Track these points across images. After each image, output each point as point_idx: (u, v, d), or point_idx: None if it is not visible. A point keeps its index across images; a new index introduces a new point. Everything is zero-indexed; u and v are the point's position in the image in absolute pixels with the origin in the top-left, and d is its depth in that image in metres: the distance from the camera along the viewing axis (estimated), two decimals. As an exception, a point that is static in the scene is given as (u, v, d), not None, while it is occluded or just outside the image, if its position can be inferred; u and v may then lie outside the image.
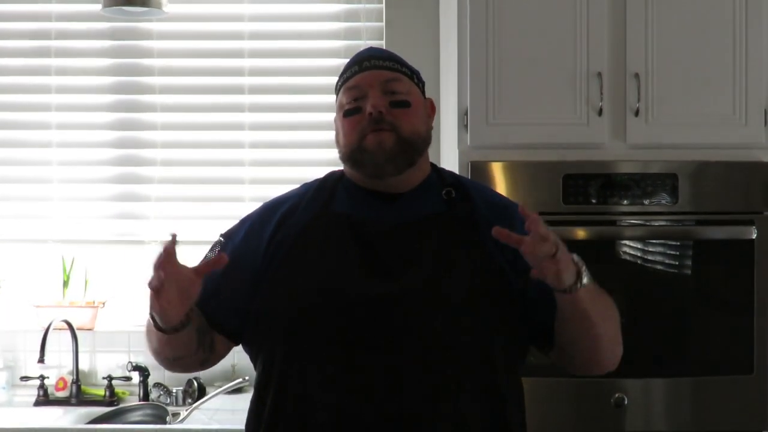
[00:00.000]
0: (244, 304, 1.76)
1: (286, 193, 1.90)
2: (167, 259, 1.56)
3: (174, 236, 1.58)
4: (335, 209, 1.79)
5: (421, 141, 1.79)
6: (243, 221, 1.88)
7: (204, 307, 1.74)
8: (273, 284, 1.74)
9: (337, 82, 1.86)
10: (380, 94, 1.76)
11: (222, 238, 1.86)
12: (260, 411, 1.75)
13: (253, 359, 1.82)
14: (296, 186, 1.92)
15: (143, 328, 1.75)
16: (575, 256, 1.63)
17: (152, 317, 1.64)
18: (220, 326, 1.78)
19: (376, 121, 1.74)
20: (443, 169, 1.90)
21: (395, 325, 1.66)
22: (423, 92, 1.86)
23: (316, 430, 1.68)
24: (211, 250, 1.85)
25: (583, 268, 1.62)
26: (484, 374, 1.69)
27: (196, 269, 1.61)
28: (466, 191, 1.82)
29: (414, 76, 1.84)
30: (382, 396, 1.65)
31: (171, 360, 1.78)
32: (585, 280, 1.61)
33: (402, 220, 1.76)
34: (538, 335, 1.79)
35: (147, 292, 1.59)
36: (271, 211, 1.84)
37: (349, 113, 1.78)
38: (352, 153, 1.77)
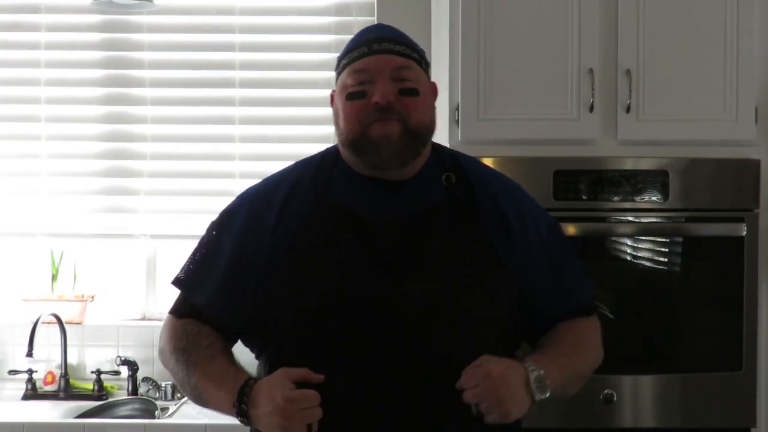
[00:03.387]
0: (253, 309, 1.71)
1: (281, 174, 1.80)
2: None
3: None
4: (335, 200, 1.72)
5: (426, 131, 1.73)
6: (236, 212, 1.78)
7: (219, 322, 1.72)
8: (277, 285, 1.68)
9: (340, 59, 1.76)
10: (389, 82, 1.68)
11: (214, 232, 1.78)
12: None
13: (257, 356, 1.78)
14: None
15: (167, 355, 1.73)
16: (533, 376, 1.63)
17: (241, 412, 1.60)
18: (237, 336, 1.76)
19: (382, 111, 1.67)
20: (442, 149, 1.84)
21: (400, 331, 1.63)
22: (429, 75, 1.79)
23: None
24: (206, 236, 1.79)
25: (537, 386, 1.64)
26: None
27: (290, 377, 1.58)
28: (465, 176, 1.78)
29: (423, 60, 1.77)
30: (386, 404, 1.62)
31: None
32: (543, 395, 1.65)
33: (405, 210, 1.71)
34: (534, 335, 1.79)
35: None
36: (266, 200, 1.75)
37: (352, 96, 1.70)
38: (354, 140, 1.70)
